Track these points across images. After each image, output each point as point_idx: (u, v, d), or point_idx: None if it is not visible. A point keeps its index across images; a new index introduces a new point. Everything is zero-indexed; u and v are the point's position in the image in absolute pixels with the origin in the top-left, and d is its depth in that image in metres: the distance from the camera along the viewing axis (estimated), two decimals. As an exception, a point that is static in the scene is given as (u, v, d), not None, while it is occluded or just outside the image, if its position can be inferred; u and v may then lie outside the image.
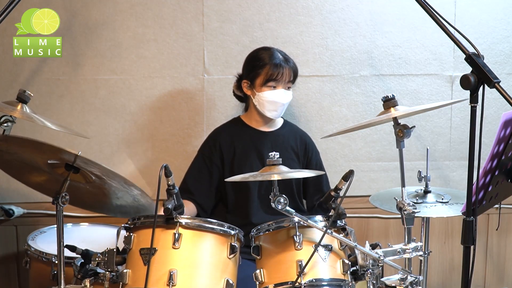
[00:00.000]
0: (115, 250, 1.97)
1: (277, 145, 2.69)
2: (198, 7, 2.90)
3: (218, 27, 2.91)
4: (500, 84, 1.71)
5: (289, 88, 2.64)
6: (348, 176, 2.05)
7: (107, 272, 1.96)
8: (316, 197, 2.71)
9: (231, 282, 1.95)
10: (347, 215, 2.11)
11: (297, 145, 2.75)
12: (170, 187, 1.95)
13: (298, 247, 1.96)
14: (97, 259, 1.99)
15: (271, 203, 1.87)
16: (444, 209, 2.42)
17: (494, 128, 1.83)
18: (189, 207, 2.63)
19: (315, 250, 1.93)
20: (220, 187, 2.71)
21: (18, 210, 2.92)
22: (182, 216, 1.96)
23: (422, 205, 2.44)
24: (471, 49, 1.76)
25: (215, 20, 2.91)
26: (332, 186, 2.15)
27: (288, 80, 2.62)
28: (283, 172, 1.91)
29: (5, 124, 2.16)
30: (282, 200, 1.87)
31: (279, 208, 1.87)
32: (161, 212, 1.94)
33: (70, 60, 2.87)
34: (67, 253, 2.07)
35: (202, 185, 2.68)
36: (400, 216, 2.04)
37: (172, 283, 1.86)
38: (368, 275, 1.97)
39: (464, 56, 1.76)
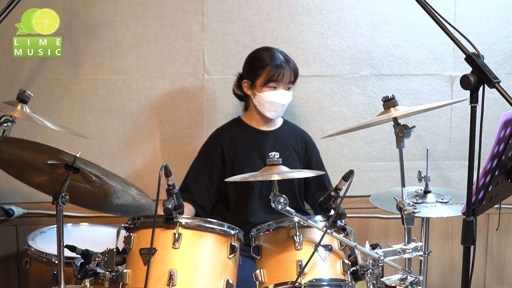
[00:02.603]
0: (115, 250, 1.97)
1: (277, 144, 2.69)
2: (198, 7, 2.90)
3: (218, 27, 2.91)
4: (500, 84, 1.71)
5: (289, 88, 2.64)
6: (348, 176, 2.05)
7: (107, 272, 1.96)
8: (319, 196, 2.71)
9: (231, 282, 1.96)
10: (347, 215, 2.10)
11: (297, 144, 2.75)
12: (170, 187, 1.95)
13: (298, 247, 1.96)
14: (97, 259, 1.99)
15: (271, 203, 1.87)
16: (444, 209, 2.42)
17: (494, 128, 1.83)
18: (188, 209, 2.63)
19: (315, 250, 1.93)
20: (220, 187, 2.71)
21: (18, 210, 2.92)
22: (182, 216, 1.96)
23: (422, 205, 2.44)
24: (471, 49, 1.76)
25: (215, 20, 2.91)
26: (332, 186, 2.15)
27: (288, 81, 2.62)
28: (283, 172, 1.91)
29: (5, 124, 2.16)
30: (282, 200, 1.87)
31: (279, 208, 1.87)
32: (161, 212, 1.94)
33: (70, 60, 2.87)
34: (67, 253, 2.07)
35: (202, 185, 2.69)
36: (400, 216, 2.04)
37: (172, 283, 1.86)
38: (368, 275, 1.97)
39: (464, 56, 1.76)
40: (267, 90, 2.60)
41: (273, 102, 2.61)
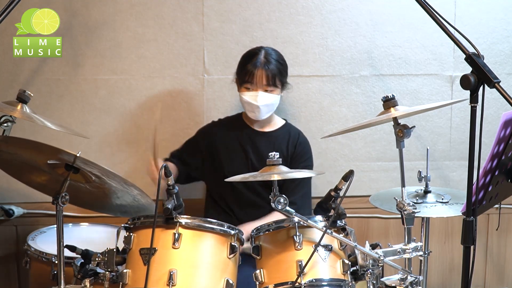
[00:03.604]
0: (115, 250, 1.97)
1: (268, 145, 2.69)
2: (198, 7, 2.90)
3: (218, 27, 2.91)
4: (500, 84, 1.71)
5: (271, 91, 2.60)
6: (348, 176, 2.05)
7: (107, 272, 1.96)
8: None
9: (231, 282, 1.96)
10: (347, 215, 2.10)
11: (288, 148, 2.73)
12: (170, 187, 1.95)
13: (298, 247, 1.96)
14: (97, 259, 1.99)
15: (271, 203, 1.87)
16: (444, 209, 2.42)
17: (494, 128, 1.83)
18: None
19: (315, 250, 1.93)
20: (200, 175, 2.81)
21: (18, 210, 2.92)
22: (182, 216, 1.96)
23: (422, 205, 2.44)
24: (471, 49, 1.76)
25: (215, 20, 2.91)
26: (332, 186, 2.14)
27: (264, 83, 2.58)
28: (283, 172, 1.91)
29: (5, 124, 2.16)
30: (282, 200, 1.87)
31: (279, 208, 1.87)
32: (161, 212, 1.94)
33: (70, 60, 2.87)
34: (67, 253, 2.07)
35: (188, 159, 2.78)
36: (400, 216, 2.04)
37: (172, 283, 1.86)
38: (368, 275, 1.97)
39: (464, 56, 1.76)
40: (244, 91, 2.62)
41: (249, 103, 2.61)
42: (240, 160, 2.68)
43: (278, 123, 2.79)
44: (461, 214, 1.87)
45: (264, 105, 2.60)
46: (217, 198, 2.75)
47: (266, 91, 2.60)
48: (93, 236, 2.57)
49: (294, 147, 2.74)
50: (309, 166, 2.77)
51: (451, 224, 3.16)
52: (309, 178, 2.75)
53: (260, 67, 2.58)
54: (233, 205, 2.71)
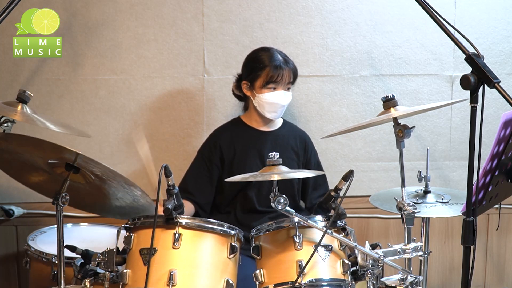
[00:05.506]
0: (115, 250, 1.97)
1: (277, 144, 2.69)
2: (198, 7, 2.90)
3: (218, 27, 2.91)
4: (500, 84, 1.71)
5: (288, 89, 2.64)
6: (348, 176, 2.05)
7: (107, 272, 1.97)
8: (315, 197, 2.72)
9: (231, 282, 1.96)
10: (347, 215, 2.11)
11: (297, 145, 2.75)
12: (170, 187, 1.96)
13: (298, 247, 1.96)
14: (97, 259, 1.99)
15: (271, 203, 1.87)
16: (444, 209, 2.42)
17: (494, 128, 1.83)
18: (188, 207, 2.63)
19: (315, 250, 1.93)
20: (218, 187, 2.71)
21: (18, 210, 2.93)
22: (182, 216, 1.96)
23: (422, 205, 2.44)
24: (471, 49, 1.77)
25: (215, 20, 2.91)
26: (332, 186, 2.15)
27: (288, 81, 2.61)
28: (283, 172, 1.91)
29: (5, 124, 2.16)
30: (282, 200, 1.87)
31: (279, 208, 1.87)
32: (161, 212, 1.94)
33: (70, 60, 2.87)
34: (67, 253, 2.07)
35: (202, 185, 2.68)
36: (400, 216, 2.04)
37: (172, 283, 1.86)
38: (368, 275, 1.97)
39: (464, 56, 1.76)
40: (266, 91, 2.60)
41: (273, 103, 2.61)
42: (257, 161, 2.64)
43: (279, 121, 2.79)
44: (461, 214, 1.87)
45: (286, 103, 2.63)
46: (226, 205, 2.71)
47: (286, 89, 2.62)
48: (93, 236, 2.56)
49: (303, 143, 2.77)
50: (318, 158, 2.84)
51: (451, 224, 3.16)
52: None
53: (284, 66, 2.59)
54: (240, 211, 2.67)
